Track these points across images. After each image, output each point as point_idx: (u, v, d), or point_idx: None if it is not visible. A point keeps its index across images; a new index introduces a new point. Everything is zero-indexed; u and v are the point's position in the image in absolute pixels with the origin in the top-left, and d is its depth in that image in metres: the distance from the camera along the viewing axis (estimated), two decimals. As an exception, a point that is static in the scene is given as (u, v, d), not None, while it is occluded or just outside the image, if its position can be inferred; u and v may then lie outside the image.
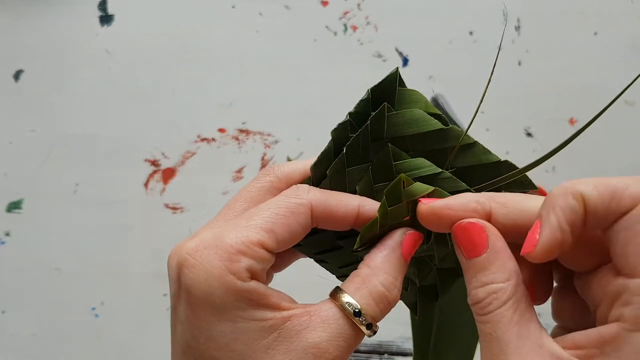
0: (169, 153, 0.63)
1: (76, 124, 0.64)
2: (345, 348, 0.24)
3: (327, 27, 0.65)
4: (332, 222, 0.25)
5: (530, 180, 0.26)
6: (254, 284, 0.23)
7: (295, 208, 0.24)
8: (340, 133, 0.26)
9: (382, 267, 0.24)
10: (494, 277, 0.22)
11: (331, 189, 0.26)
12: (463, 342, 0.34)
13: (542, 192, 0.26)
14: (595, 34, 0.64)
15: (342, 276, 0.28)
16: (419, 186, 0.25)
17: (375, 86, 0.26)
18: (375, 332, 0.24)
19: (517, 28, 0.64)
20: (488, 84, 0.26)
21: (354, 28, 0.65)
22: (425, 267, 0.27)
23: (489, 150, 0.26)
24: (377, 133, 0.26)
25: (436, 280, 0.28)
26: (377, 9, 0.65)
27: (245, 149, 0.63)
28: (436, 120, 0.26)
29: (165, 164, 0.63)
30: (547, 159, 0.25)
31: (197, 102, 0.64)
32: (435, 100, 0.62)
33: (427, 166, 0.26)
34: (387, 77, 0.26)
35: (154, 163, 0.63)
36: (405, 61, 0.64)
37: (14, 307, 0.61)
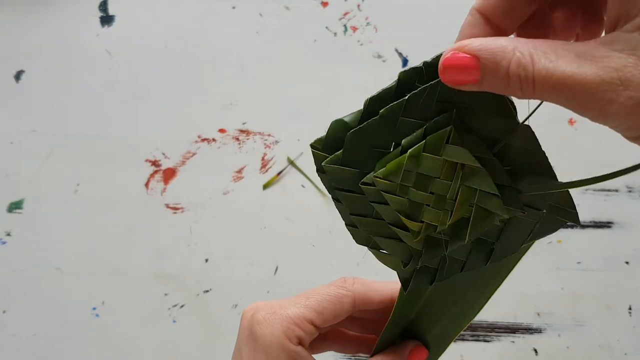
0: (169, 153, 0.63)
1: (77, 124, 0.64)
2: None
3: (327, 27, 0.65)
4: (370, 306, 0.33)
5: (575, 213, 0.25)
6: (299, 349, 0.31)
7: (342, 297, 0.33)
8: (409, 78, 0.25)
9: None
10: (504, 54, 0.21)
11: (377, 129, 0.25)
12: (442, 332, 0.33)
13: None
14: (595, 34, 0.64)
15: (350, 225, 0.27)
16: (463, 153, 0.24)
17: None
18: None
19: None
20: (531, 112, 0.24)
21: (354, 29, 0.65)
22: (434, 250, 0.26)
23: (551, 166, 0.25)
24: (446, 93, 0.24)
25: (438, 266, 0.27)
26: (377, 10, 0.65)
27: (246, 149, 0.63)
28: (511, 109, 0.24)
29: (165, 164, 0.63)
30: (598, 181, 0.22)
31: (197, 102, 0.64)
32: None
33: (480, 149, 0.24)
34: None
35: (155, 163, 0.63)
36: (404, 62, 0.64)
37: (15, 307, 0.61)
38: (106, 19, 0.66)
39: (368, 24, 0.65)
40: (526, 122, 0.24)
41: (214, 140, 0.63)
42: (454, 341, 0.34)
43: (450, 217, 0.24)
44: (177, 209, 0.62)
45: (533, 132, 0.24)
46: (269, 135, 0.63)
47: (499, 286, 0.30)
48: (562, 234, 0.60)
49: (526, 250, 0.28)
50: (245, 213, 0.62)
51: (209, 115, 0.63)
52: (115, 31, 0.65)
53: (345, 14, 0.65)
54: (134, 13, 0.66)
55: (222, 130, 0.63)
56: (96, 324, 0.60)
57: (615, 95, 0.20)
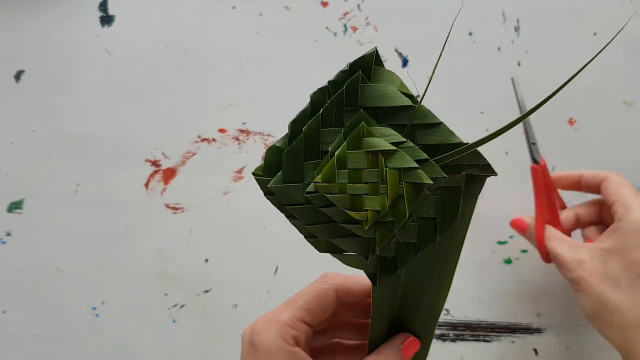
0: (169, 153, 0.63)
1: (77, 124, 0.64)
2: None
3: (327, 27, 0.65)
4: (351, 296, 0.37)
5: (488, 164, 0.29)
6: (297, 349, 0.34)
7: (324, 291, 0.36)
8: (319, 97, 0.28)
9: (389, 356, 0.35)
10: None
11: (305, 145, 0.28)
12: (425, 317, 0.36)
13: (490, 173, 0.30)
14: (595, 34, 0.64)
15: (310, 237, 0.30)
16: (378, 141, 0.27)
17: (354, 61, 0.28)
18: None
19: (517, 29, 0.64)
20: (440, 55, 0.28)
21: (354, 29, 0.65)
22: (385, 233, 0.28)
23: (453, 132, 0.28)
24: (351, 100, 0.28)
25: (396, 253, 0.29)
26: (377, 10, 0.65)
27: (246, 149, 0.63)
28: (407, 98, 0.28)
29: (165, 164, 0.63)
30: (495, 136, 0.26)
31: (197, 102, 0.64)
32: (513, 82, 0.60)
33: (393, 135, 0.27)
34: (366, 54, 0.29)
35: (155, 163, 0.63)
36: (405, 62, 0.64)
37: (15, 307, 0.61)
38: (106, 19, 0.66)
39: (368, 24, 0.65)
40: (422, 103, 0.28)
41: (214, 140, 0.63)
42: (455, 341, 0.35)
43: (388, 197, 0.27)
44: (177, 209, 0.62)
45: (429, 109, 0.28)
46: (269, 135, 0.63)
47: (458, 259, 0.33)
48: (562, 234, 0.60)
49: (470, 217, 0.31)
50: (245, 213, 0.62)
51: (209, 115, 0.63)
52: (115, 31, 0.65)
53: (345, 14, 0.65)
54: (134, 13, 0.66)
55: (222, 130, 0.63)
56: (96, 324, 0.60)
57: (580, 272, 0.48)
